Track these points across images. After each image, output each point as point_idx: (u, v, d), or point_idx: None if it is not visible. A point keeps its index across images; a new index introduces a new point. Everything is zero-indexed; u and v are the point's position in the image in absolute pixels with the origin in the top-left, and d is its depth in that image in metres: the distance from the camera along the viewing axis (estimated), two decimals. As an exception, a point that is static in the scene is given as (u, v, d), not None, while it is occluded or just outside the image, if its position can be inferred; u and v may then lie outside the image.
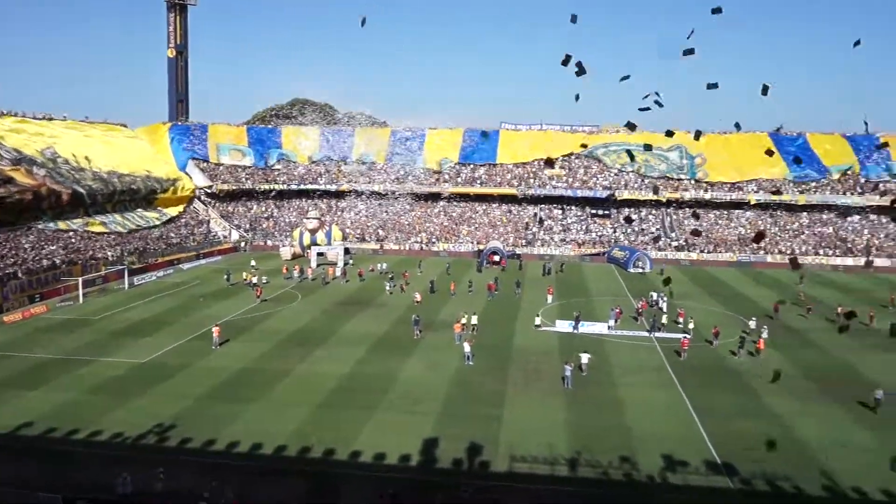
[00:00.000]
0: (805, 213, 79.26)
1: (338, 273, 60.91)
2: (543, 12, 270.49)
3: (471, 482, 20.96)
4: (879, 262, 69.82)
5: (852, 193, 78.42)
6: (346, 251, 70.48)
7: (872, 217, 77.32)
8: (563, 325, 41.80)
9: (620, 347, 37.65)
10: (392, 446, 23.67)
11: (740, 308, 48.70)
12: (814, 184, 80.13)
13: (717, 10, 14.73)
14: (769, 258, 71.08)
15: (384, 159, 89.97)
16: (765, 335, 38.35)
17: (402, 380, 31.35)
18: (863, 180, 79.89)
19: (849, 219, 77.82)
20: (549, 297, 50.34)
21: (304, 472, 21.94)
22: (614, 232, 78.70)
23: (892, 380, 32.00)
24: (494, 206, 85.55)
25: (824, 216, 78.77)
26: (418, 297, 49.30)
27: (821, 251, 72.31)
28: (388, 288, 53.16)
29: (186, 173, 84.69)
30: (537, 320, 42.51)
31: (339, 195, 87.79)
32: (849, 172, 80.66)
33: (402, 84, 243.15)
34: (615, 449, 23.68)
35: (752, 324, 41.33)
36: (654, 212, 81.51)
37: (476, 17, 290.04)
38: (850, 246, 72.96)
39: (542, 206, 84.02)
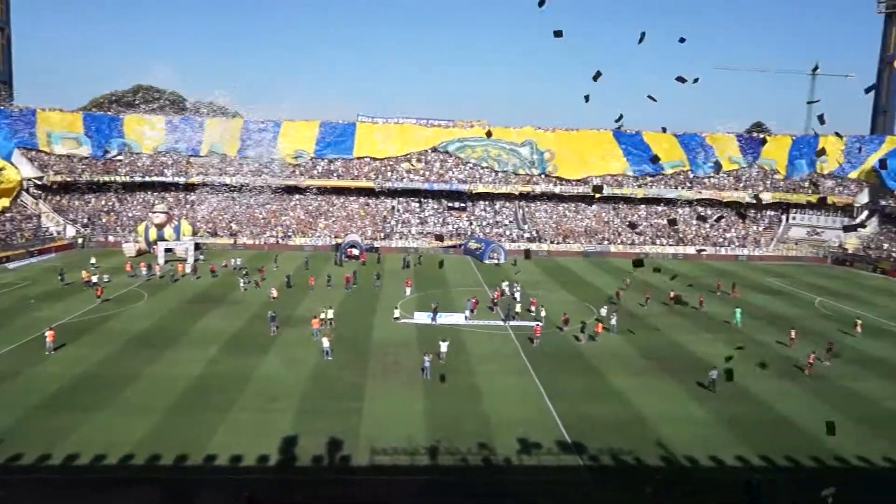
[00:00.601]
0: (643, 206, 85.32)
1: (188, 270, 58.03)
2: (400, 7, 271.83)
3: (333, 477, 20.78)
4: (709, 250, 76.60)
5: (683, 188, 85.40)
6: (197, 246, 67.25)
7: (700, 209, 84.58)
8: (422, 317, 42.37)
9: (477, 336, 38.73)
10: (249, 447, 22.93)
11: (588, 296, 51.65)
12: (650, 179, 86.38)
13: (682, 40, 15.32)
14: (612, 248, 75.88)
15: (236, 151, 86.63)
16: (613, 321, 40.86)
17: (257, 378, 30.43)
18: (692, 176, 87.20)
19: (681, 211, 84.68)
20: (408, 290, 50.82)
21: (154, 480, 20.75)
22: (470, 224, 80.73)
23: (720, 360, 35.26)
24: (352, 199, 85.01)
25: (660, 208, 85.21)
26: (274, 292, 48.03)
27: (657, 241, 78.17)
28: (242, 284, 51.33)
29: (12, 163, 77.13)
30: (396, 313, 42.77)
31: (189, 188, 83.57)
32: (679, 168, 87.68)
33: (256, 75, 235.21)
34: (473, 435, 24.35)
35: (604, 311, 43.85)
36: (507, 205, 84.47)
37: (335, 8, 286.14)
38: (681, 236, 79.36)
39: (400, 199, 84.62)
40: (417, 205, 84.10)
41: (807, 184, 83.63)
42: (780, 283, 60.37)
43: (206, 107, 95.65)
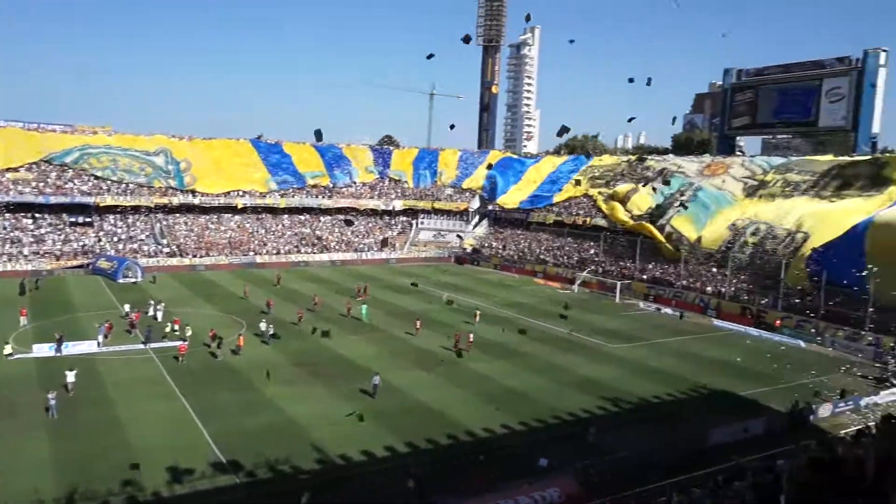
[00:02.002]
0: (287, 216, 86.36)
1: None
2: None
3: None
4: (346, 255, 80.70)
5: (323, 198, 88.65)
6: None
7: (340, 217, 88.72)
8: (43, 349, 37.00)
9: (114, 364, 35.20)
10: None
11: (235, 309, 50.46)
12: (293, 189, 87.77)
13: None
14: (259, 259, 75.33)
15: None
16: (270, 331, 40.38)
17: None
18: (332, 186, 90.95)
19: (322, 219, 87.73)
20: (23, 320, 43.87)
21: None
22: (99, 241, 72.82)
23: (368, 359, 37.48)
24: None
25: (303, 217, 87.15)
26: None
27: (302, 249, 79.85)
28: None
29: None
30: (7, 348, 36.50)
31: None
32: (319, 179, 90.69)
33: None
34: (115, 473, 22.07)
35: (263, 325, 42.29)
36: (143, 218, 78.18)
37: None
38: (325, 244, 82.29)
39: (8, 215, 72.52)
40: (31, 221, 73.00)
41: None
42: (415, 283, 66.20)
43: None
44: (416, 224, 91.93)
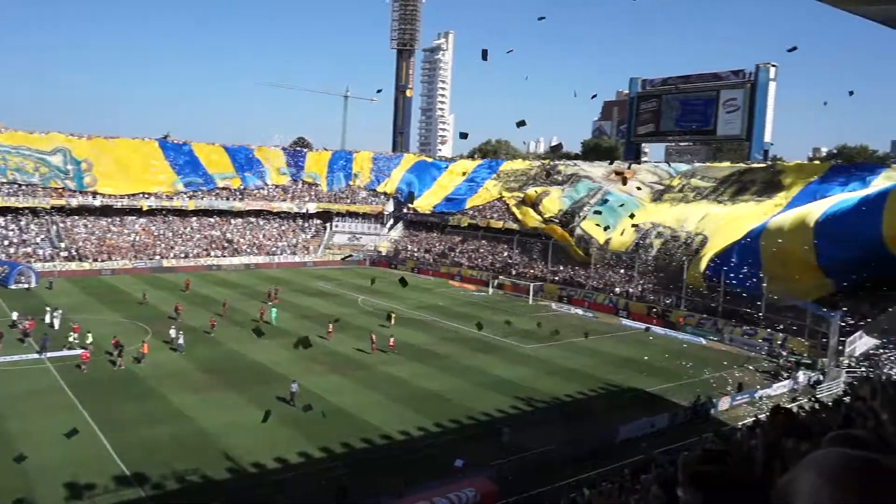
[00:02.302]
0: (195, 218, 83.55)
1: None
2: None
3: None
4: (258, 259, 78.88)
5: (234, 200, 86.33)
6: None
7: (252, 220, 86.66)
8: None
9: (5, 376, 33.06)
10: None
11: (140, 315, 48.36)
12: (201, 191, 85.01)
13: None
14: (165, 262, 72.54)
15: None
16: (181, 340, 38.84)
17: None
18: (243, 188, 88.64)
19: (233, 222, 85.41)
20: None
21: None
22: (-12, 245, 68.24)
23: (281, 365, 36.75)
24: None
25: (212, 220, 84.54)
26: None
27: (212, 252, 77.44)
28: None
29: None
30: None
31: None
32: (230, 180, 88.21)
33: None
34: (7, 493, 20.72)
35: (172, 332, 40.43)
36: (38, 220, 73.86)
37: None
38: (235, 247, 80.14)
39: None
40: None
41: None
42: (328, 286, 65.51)
43: None
44: (331, 227, 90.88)
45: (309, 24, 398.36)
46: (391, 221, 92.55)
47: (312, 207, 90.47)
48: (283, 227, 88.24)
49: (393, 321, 47.22)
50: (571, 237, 68.48)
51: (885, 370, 33.59)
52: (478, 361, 39.76)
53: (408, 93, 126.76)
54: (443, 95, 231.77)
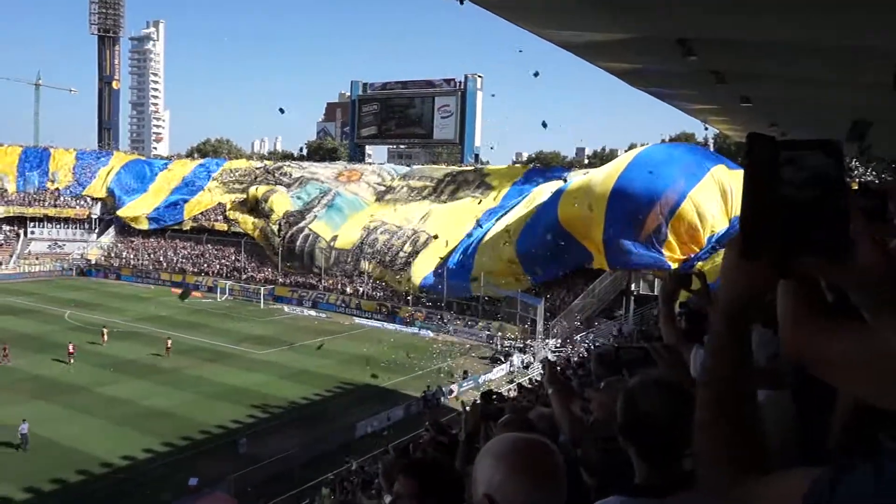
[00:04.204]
0: None
1: None
2: None
3: None
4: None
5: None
6: None
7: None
8: None
9: None
10: None
11: None
12: None
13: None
14: None
15: None
16: None
17: None
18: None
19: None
20: None
21: None
22: None
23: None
24: None
25: None
26: None
27: None
28: None
29: None
30: None
31: None
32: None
33: None
34: None
35: None
36: None
37: None
38: None
39: None
40: None
41: None
42: (26, 302, 57.24)
43: None
44: (25, 234, 79.49)
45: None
46: (101, 226, 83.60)
47: (1, 212, 78.32)
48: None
49: (106, 337, 42.91)
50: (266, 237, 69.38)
51: (578, 349, 38.76)
52: (208, 371, 37.87)
53: (114, 84, 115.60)
54: (156, 89, 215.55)
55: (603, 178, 48.27)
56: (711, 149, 62.22)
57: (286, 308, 60.01)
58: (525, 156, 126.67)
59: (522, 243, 50.24)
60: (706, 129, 38.98)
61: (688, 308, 4.45)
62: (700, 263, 40.74)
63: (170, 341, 41.18)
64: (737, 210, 42.11)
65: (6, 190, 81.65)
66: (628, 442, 1.84)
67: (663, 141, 75.53)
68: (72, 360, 37.62)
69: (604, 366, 4.20)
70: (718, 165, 46.22)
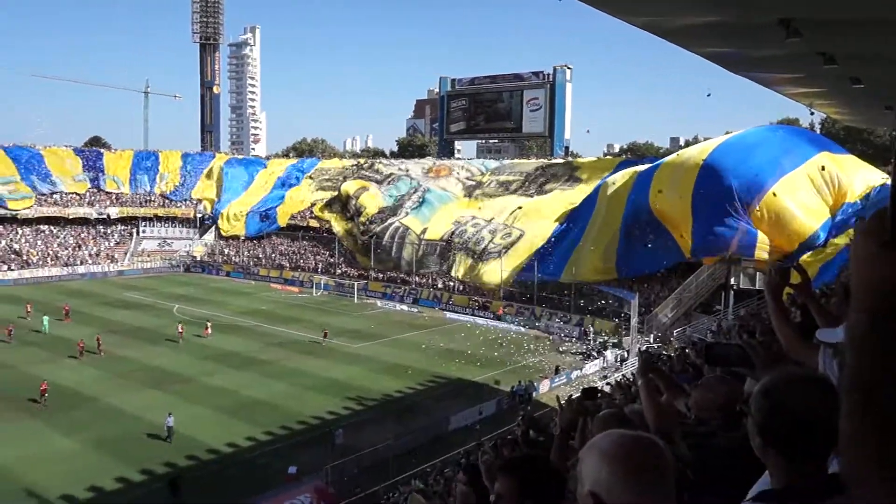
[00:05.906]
0: (-27, 229, 74.05)
1: None
2: None
3: None
4: (54, 271, 71.62)
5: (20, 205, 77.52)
6: None
7: (43, 228, 78.32)
8: None
9: None
10: None
11: None
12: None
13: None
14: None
15: None
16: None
17: None
18: (32, 193, 79.59)
19: (21, 231, 76.65)
20: None
21: None
22: None
23: (79, 384, 33.66)
24: None
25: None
26: None
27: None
28: None
29: None
30: None
31: None
32: (13, 184, 78.91)
33: None
34: None
35: None
36: None
37: None
38: (26, 259, 72.14)
39: None
40: None
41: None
42: (139, 296, 60.83)
43: None
44: (138, 233, 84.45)
45: (107, 17, 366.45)
46: (203, 225, 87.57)
47: (115, 212, 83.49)
48: (81, 235, 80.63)
49: (209, 331, 45.00)
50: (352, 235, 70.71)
51: (675, 344, 37.49)
52: (305, 364, 39.05)
53: (215, 89, 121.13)
54: (253, 92, 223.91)
55: (695, 155, 46.50)
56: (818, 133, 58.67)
57: (379, 303, 61.06)
58: (617, 147, 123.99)
59: (615, 242, 48.99)
60: (812, 113, 36.65)
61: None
62: (806, 256, 38.40)
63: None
64: (841, 199, 39.89)
65: (122, 191, 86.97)
66: (768, 443, 1.68)
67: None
68: (181, 341, 42.50)
69: (708, 361, 4.07)
70: (822, 153, 42.27)
